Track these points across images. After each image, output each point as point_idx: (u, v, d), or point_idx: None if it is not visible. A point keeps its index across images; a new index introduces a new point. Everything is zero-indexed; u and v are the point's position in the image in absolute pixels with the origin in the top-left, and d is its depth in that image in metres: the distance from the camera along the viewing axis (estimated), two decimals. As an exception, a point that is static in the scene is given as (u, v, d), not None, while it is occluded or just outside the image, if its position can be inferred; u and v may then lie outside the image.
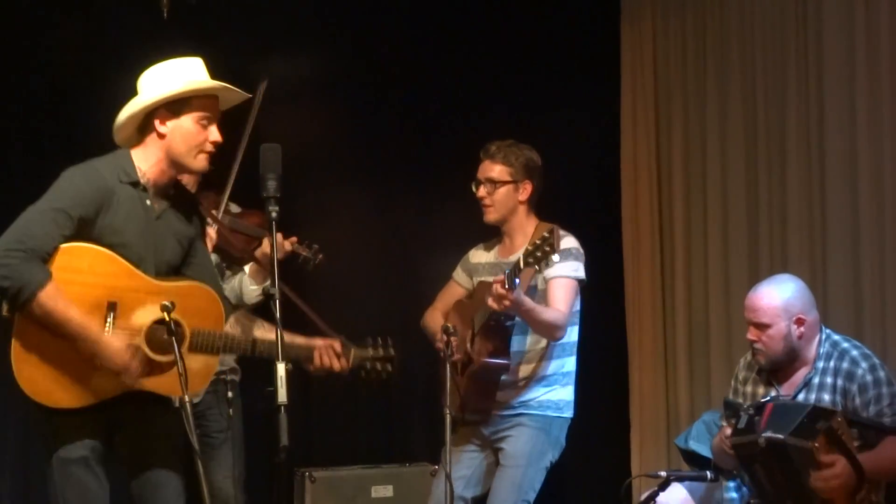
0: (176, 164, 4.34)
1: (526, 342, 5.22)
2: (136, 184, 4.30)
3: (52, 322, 4.13)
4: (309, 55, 6.81)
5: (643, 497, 5.27)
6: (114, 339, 4.18)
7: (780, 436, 4.50)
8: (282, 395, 4.37)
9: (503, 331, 5.15)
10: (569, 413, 5.29)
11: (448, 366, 4.89)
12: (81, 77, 6.32)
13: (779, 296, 4.89)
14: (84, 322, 4.14)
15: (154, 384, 4.27)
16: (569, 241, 5.22)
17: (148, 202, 4.32)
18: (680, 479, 5.34)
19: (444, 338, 4.94)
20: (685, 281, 7.03)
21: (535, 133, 5.62)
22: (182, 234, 4.42)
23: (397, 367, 4.62)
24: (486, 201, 5.26)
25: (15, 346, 4.19)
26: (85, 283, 4.19)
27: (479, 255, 5.45)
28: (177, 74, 4.31)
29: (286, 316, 4.28)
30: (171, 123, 4.30)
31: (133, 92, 4.36)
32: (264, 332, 4.46)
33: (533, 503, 5.21)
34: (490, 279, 5.05)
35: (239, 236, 5.14)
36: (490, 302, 4.91)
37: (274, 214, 4.61)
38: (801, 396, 4.81)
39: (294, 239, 5.27)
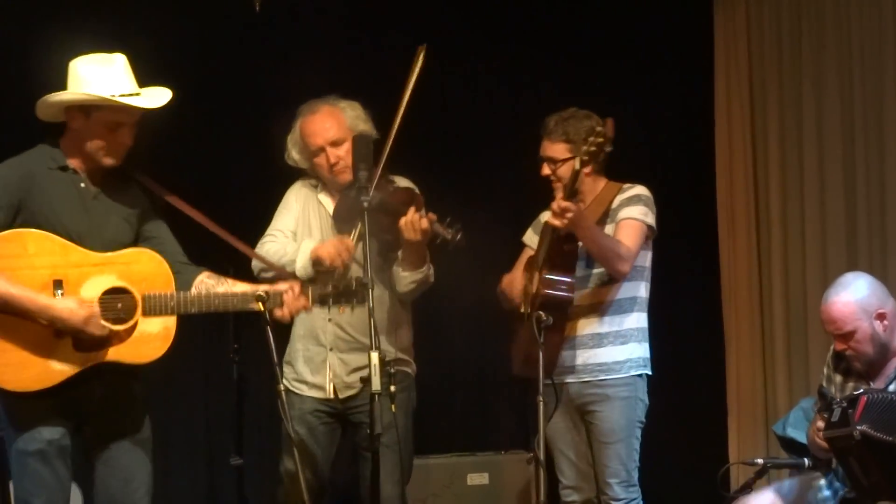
0: (90, 158, 4.43)
1: (593, 295, 5.17)
2: (65, 168, 4.42)
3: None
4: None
5: (737, 488, 5.26)
6: (64, 300, 4.27)
7: (874, 430, 4.46)
8: (375, 384, 4.43)
9: (565, 257, 5.05)
10: (648, 370, 5.26)
11: (541, 355, 4.85)
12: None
13: (852, 299, 4.82)
14: (29, 294, 4.26)
15: (115, 354, 4.36)
16: (639, 189, 5.18)
17: (82, 185, 4.43)
18: (777, 467, 5.32)
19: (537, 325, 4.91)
20: (782, 268, 6.97)
21: (629, 123, 5.59)
22: (126, 211, 4.49)
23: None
24: (552, 178, 5.20)
25: None
26: (28, 266, 4.30)
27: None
28: (91, 76, 4.37)
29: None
30: (81, 122, 4.39)
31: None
32: (228, 289, 4.51)
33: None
34: None
35: (383, 217, 4.90)
36: (550, 219, 4.88)
37: (366, 204, 4.67)
38: (892, 387, 4.74)
39: (432, 216, 4.93)
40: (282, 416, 4.51)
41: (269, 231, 5.18)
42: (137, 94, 4.39)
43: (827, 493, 4.93)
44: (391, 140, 4.98)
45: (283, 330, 5.13)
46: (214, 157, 6.51)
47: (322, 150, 5.07)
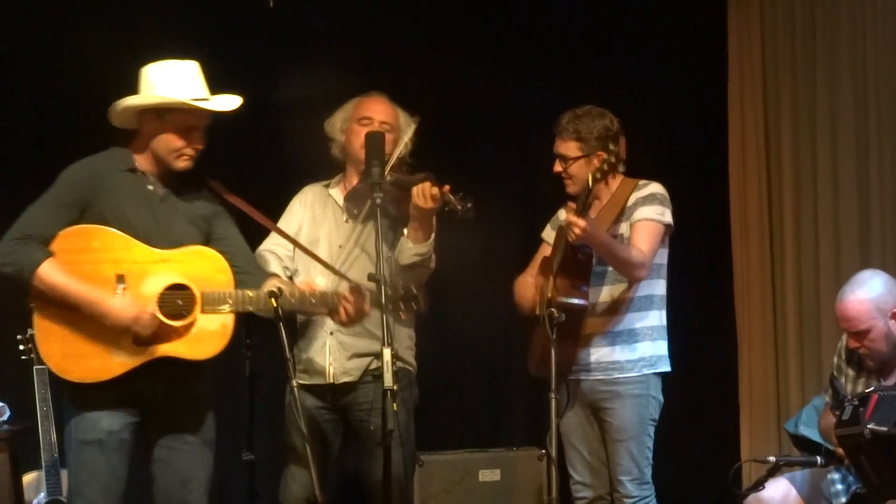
0: (161, 161, 4.51)
1: (609, 293, 5.16)
2: (133, 170, 4.51)
3: (57, 295, 4.34)
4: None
5: (749, 486, 5.24)
6: (118, 298, 4.35)
7: (885, 428, 4.45)
8: (388, 381, 4.43)
9: (579, 266, 5.05)
10: (664, 367, 5.24)
11: (553, 351, 4.85)
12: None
13: (868, 297, 4.81)
14: (85, 288, 4.35)
15: (173, 349, 4.42)
16: (654, 187, 5.17)
17: (150, 186, 4.52)
18: (789, 465, 5.29)
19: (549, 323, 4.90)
20: (795, 265, 6.97)
21: (642, 119, 5.61)
22: (193, 214, 4.57)
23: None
24: (564, 176, 5.21)
25: (38, 328, 4.40)
26: (92, 261, 4.40)
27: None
28: (164, 81, 4.47)
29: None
30: (154, 126, 4.49)
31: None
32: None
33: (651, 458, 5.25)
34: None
35: (396, 191, 4.98)
36: (563, 227, 4.88)
37: (378, 200, 4.68)
38: (904, 385, 4.75)
39: (447, 188, 4.96)
40: (294, 412, 4.53)
41: (269, 238, 5.20)
42: (208, 100, 4.49)
43: (840, 486, 4.92)
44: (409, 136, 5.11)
45: (294, 325, 5.15)
46: (222, 155, 6.50)
47: (370, 119, 5.15)
